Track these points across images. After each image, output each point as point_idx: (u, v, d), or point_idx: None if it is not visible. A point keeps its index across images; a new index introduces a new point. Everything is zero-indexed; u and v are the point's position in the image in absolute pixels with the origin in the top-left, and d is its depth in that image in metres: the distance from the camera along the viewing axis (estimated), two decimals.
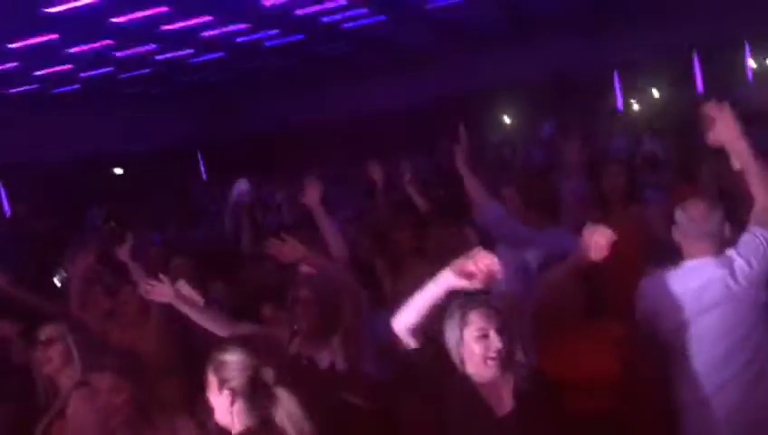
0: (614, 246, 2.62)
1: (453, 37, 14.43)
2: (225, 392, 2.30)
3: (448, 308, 2.43)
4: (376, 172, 5.11)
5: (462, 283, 2.20)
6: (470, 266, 2.17)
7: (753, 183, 2.63)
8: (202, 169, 17.92)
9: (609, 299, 3.40)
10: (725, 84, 12.07)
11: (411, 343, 2.47)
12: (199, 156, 17.83)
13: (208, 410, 2.39)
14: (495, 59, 15.42)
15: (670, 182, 4.69)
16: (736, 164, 2.58)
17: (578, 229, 2.82)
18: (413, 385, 2.79)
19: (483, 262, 2.16)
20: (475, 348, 2.38)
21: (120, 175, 15.95)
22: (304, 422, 2.28)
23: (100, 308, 4.29)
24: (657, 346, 2.97)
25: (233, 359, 2.34)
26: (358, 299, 3.41)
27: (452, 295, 2.35)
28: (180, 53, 11.38)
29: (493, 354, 2.36)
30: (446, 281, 2.26)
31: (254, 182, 12.96)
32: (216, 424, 2.35)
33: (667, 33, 14.13)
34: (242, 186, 4.64)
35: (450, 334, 2.43)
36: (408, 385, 2.91)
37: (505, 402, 2.39)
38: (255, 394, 2.32)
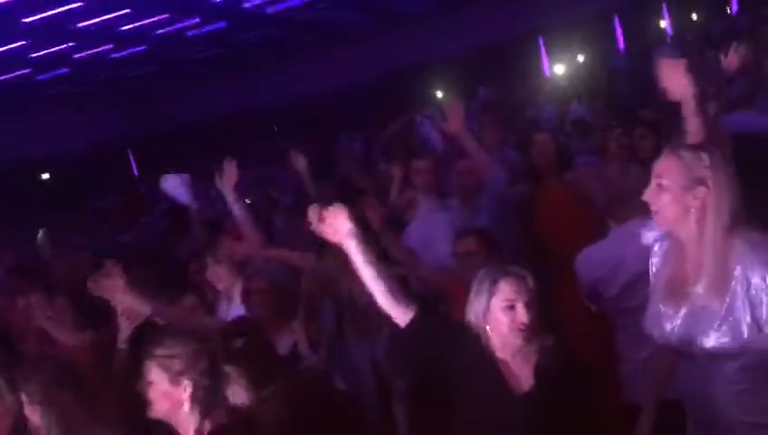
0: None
1: (378, 16, 14.38)
2: (184, 384, 2.21)
3: (478, 275, 2.41)
4: (299, 161, 5.05)
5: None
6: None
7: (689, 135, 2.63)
8: (133, 166, 17.45)
9: (558, 268, 3.46)
10: (645, 45, 12.37)
11: (399, 319, 2.41)
12: (129, 153, 17.36)
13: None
14: (422, 35, 15.47)
15: (599, 146, 4.76)
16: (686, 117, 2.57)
17: None
18: (410, 361, 2.76)
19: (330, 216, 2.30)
20: (501, 317, 2.33)
21: (47, 180, 15.42)
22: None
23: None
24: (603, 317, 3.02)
25: (183, 349, 2.25)
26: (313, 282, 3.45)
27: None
28: (99, 49, 11.02)
29: (519, 326, 2.31)
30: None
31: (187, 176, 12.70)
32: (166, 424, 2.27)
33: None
34: (173, 181, 4.39)
35: (476, 302, 2.37)
36: (405, 361, 2.89)
37: (525, 381, 2.34)
38: (214, 381, 2.26)
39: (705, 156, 2.10)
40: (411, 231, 4.20)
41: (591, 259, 3.05)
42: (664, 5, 15.20)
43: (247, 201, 7.20)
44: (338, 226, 2.31)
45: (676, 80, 2.46)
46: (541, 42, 15.65)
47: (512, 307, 2.32)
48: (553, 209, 3.92)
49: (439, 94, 16.08)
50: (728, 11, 13.88)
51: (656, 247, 2.31)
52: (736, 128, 3.51)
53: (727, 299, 2.03)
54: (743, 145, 2.76)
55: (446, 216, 4.11)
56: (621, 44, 15.41)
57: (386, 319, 2.46)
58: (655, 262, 2.30)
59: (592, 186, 3.26)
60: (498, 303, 2.33)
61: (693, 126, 2.48)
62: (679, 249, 2.19)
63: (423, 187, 4.28)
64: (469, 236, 3.36)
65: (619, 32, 15.56)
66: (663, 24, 15.17)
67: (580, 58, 14.47)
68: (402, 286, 2.55)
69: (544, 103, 10.26)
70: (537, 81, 13.28)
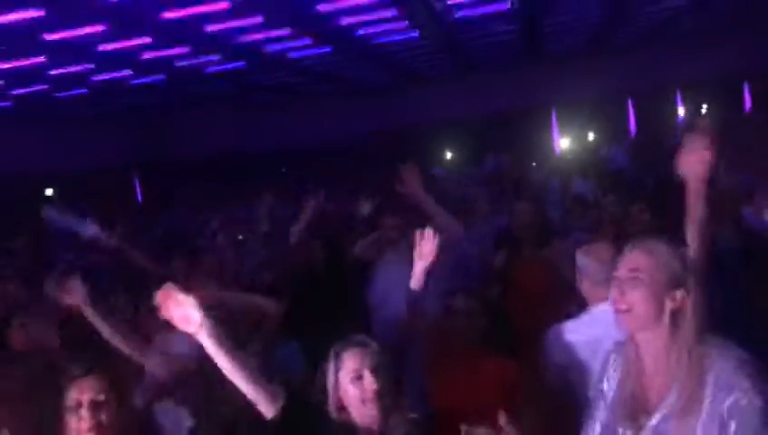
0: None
1: (396, 73, 14.60)
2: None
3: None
4: (264, 202, 5.15)
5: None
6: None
7: (691, 229, 2.52)
8: (137, 189, 17.53)
9: (517, 338, 3.40)
10: (657, 130, 12.53)
11: (264, 409, 2.31)
12: (135, 178, 17.45)
13: None
14: (438, 95, 15.71)
15: (597, 225, 4.74)
16: (690, 203, 2.48)
17: None
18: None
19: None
20: (351, 390, 2.28)
21: (50, 196, 15.45)
22: None
23: None
24: (568, 404, 2.87)
25: None
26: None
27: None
28: (118, 74, 11.16)
29: (369, 395, 2.24)
30: None
31: (191, 207, 12.73)
32: None
33: (604, 79, 14.66)
34: (53, 213, 4.28)
35: (327, 380, 2.34)
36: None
37: None
38: None
39: (686, 255, 1.98)
40: (372, 280, 4.19)
41: (564, 338, 2.94)
42: (678, 94, 15.43)
43: (240, 237, 7.21)
44: (187, 313, 2.17)
45: (695, 162, 2.37)
46: (554, 115, 15.87)
47: (359, 377, 2.26)
48: (523, 280, 3.89)
49: (448, 155, 16.24)
50: (742, 105, 14.07)
51: (611, 359, 2.10)
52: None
53: (699, 416, 1.82)
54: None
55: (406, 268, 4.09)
56: (633, 126, 15.60)
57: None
58: (611, 375, 2.07)
59: (572, 262, 3.22)
60: (345, 376, 2.28)
61: (697, 212, 2.39)
62: (639, 362, 1.98)
63: (392, 241, 4.26)
64: (458, 295, 3.32)
65: (631, 114, 15.77)
66: (679, 110, 15.40)
67: (590, 135, 14.63)
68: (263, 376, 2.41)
69: (550, 175, 10.32)
70: (545, 152, 13.41)
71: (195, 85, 13.27)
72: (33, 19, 7.37)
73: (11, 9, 7.04)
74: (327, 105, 16.27)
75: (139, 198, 17.29)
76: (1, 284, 5.11)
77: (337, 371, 2.31)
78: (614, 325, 2.27)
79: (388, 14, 9.30)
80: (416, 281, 2.99)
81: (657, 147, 10.62)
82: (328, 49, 11.34)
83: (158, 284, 2.24)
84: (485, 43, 12.35)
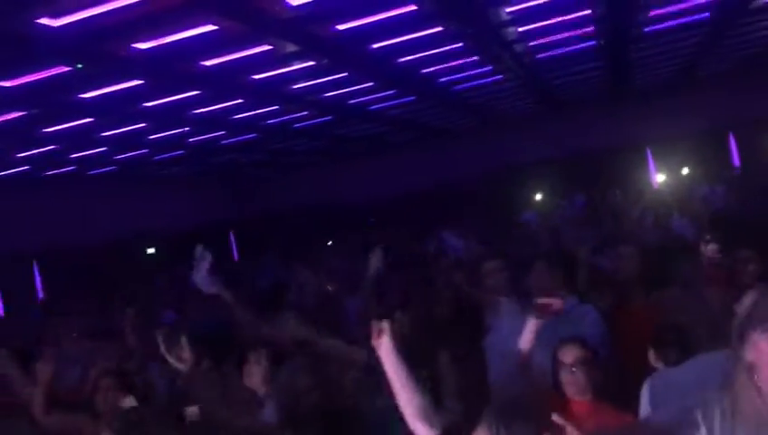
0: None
1: (481, 117, 14.58)
2: None
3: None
4: (374, 259, 5.10)
5: None
6: None
7: None
8: (233, 246, 18.04)
9: (622, 386, 3.23)
10: (761, 165, 11.93)
11: None
12: (231, 236, 17.99)
13: None
14: (525, 136, 15.53)
15: (697, 270, 4.45)
16: None
17: None
18: None
19: None
20: None
21: (152, 254, 16.11)
22: None
23: None
24: None
25: None
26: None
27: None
28: (212, 135, 11.64)
29: None
30: None
31: (281, 261, 12.97)
32: None
33: (700, 112, 14.14)
34: None
35: None
36: None
37: None
38: None
39: None
40: (495, 334, 4.04)
41: (663, 385, 2.76)
42: None
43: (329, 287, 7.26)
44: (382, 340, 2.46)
45: None
46: (648, 152, 15.38)
47: None
48: (630, 328, 3.69)
49: (538, 196, 15.95)
50: None
51: (711, 408, 1.97)
52: None
53: None
54: None
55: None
56: (736, 162, 14.92)
57: None
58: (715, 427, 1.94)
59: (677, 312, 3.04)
60: None
61: None
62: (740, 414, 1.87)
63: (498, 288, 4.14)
64: (576, 345, 3.19)
65: (733, 149, 15.09)
66: None
67: (687, 171, 14.07)
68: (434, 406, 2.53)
69: (645, 212, 9.92)
70: (639, 189, 12.95)
71: (284, 141, 13.67)
72: (133, 89, 7.81)
73: (115, 81, 7.49)
74: (412, 153, 16.39)
75: (236, 254, 17.79)
76: (120, 338, 5.36)
77: None
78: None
79: (471, 59, 9.32)
80: (526, 341, 2.95)
81: (762, 184, 10.09)
82: (411, 98, 11.46)
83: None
84: (572, 81, 12.18)
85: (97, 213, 13.59)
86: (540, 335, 3.28)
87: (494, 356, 3.65)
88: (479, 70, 10.05)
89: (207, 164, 15.03)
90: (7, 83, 6.80)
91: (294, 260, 12.68)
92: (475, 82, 10.88)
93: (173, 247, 15.57)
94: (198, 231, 15.75)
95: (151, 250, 16.12)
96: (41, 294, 13.04)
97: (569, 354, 3.14)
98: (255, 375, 3.68)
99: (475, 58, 9.27)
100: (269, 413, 3.53)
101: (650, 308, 3.70)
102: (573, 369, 3.07)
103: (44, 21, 5.46)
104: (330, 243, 15.33)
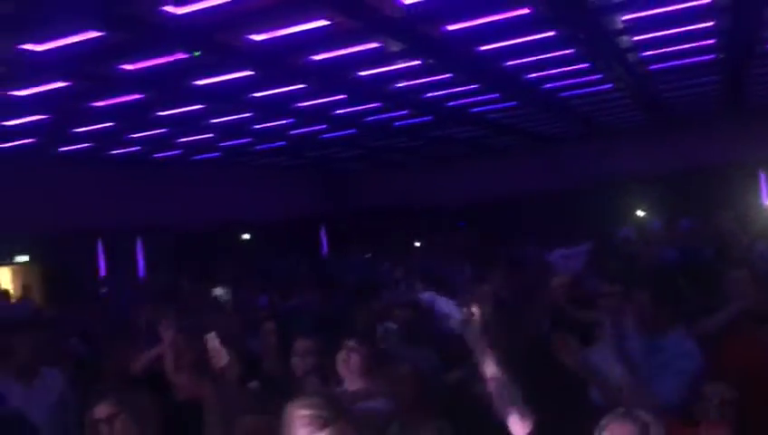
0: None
1: (583, 125, 14.20)
2: None
3: None
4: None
5: None
6: None
7: None
8: (323, 239, 18.33)
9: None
10: None
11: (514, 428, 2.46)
12: (322, 228, 18.27)
13: None
14: (630, 149, 15.03)
15: None
16: None
17: None
18: None
19: None
20: None
21: (246, 240, 16.56)
22: None
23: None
24: None
25: None
26: None
27: None
28: (314, 128, 11.83)
29: None
30: None
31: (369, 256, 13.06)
32: None
33: None
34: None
35: None
36: None
37: None
38: None
39: None
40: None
41: None
42: None
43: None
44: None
45: None
46: (761, 175, 14.58)
47: None
48: (742, 361, 3.47)
49: (640, 212, 15.39)
50: None
51: None
52: None
53: None
54: None
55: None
56: None
57: None
58: None
59: None
60: None
61: None
62: None
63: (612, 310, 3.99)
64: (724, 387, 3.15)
65: None
66: None
67: None
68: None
69: (757, 240, 9.38)
70: (752, 212, 12.27)
71: (382, 139, 13.75)
72: (243, 79, 8.03)
73: (227, 71, 7.72)
74: (509, 159, 16.16)
75: (325, 248, 18.06)
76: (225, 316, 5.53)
77: None
78: None
79: (581, 66, 9.08)
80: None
81: None
82: (514, 103, 11.29)
83: None
84: (685, 94, 11.68)
85: (197, 197, 14.09)
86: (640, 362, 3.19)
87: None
88: (589, 78, 9.78)
89: (305, 157, 15.31)
90: (129, 66, 7.12)
91: (382, 258, 12.78)
92: (583, 90, 10.60)
93: (266, 236, 16.00)
94: (291, 222, 16.14)
95: (246, 236, 16.58)
96: (141, 270, 13.64)
97: (715, 393, 3.13)
98: (353, 363, 3.66)
99: (585, 65, 9.03)
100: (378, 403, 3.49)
101: (757, 342, 3.47)
102: (721, 409, 3.08)
103: (168, 8, 5.68)
104: (419, 243, 15.33)
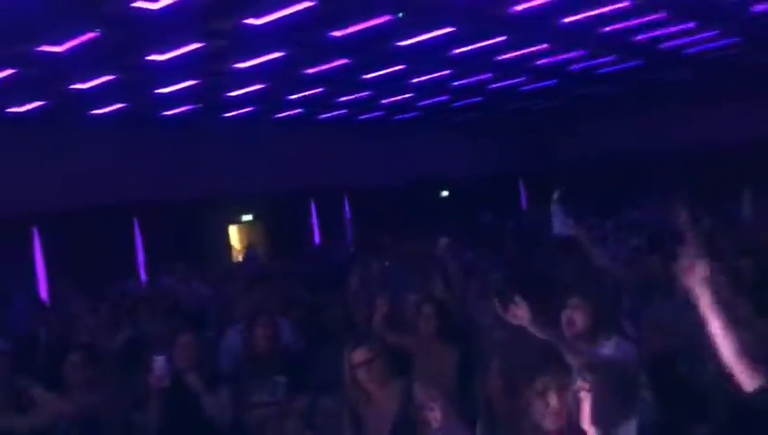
0: None
1: None
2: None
3: None
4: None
5: None
6: None
7: None
8: (522, 195, 18.06)
9: None
10: None
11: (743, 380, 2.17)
12: (520, 183, 18.00)
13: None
14: None
15: None
16: None
17: None
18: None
19: None
20: None
21: (445, 197, 16.76)
22: None
23: None
24: None
25: None
26: None
27: None
28: (513, 81, 11.62)
29: None
30: None
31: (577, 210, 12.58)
32: None
33: None
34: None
35: None
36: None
37: None
38: None
39: None
40: None
41: None
42: None
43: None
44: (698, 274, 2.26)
45: None
46: None
47: None
48: None
49: None
50: None
51: None
52: None
53: None
54: None
55: None
56: None
57: None
58: None
59: None
60: None
61: None
62: None
63: None
64: None
65: None
66: None
67: None
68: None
69: None
70: None
71: (586, 88, 13.17)
72: (445, 36, 8.06)
73: (429, 29, 7.78)
74: (729, 105, 14.73)
75: (524, 203, 17.77)
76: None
77: None
78: None
79: None
80: None
81: None
82: (736, 40, 10.27)
83: None
84: None
85: (398, 157, 14.47)
86: None
87: None
88: None
89: (502, 111, 15.09)
90: (337, 33, 7.42)
91: (587, 213, 12.27)
92: None
93: (465, 192, 16.05)
94: (489, 178, 16.04)
95: (445, 193, 16.78)
96: (349, 228, 14.31)
97: None
98: (578, 322, 3.55)
99: None
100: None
101: None
102: None
103: None
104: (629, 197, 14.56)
